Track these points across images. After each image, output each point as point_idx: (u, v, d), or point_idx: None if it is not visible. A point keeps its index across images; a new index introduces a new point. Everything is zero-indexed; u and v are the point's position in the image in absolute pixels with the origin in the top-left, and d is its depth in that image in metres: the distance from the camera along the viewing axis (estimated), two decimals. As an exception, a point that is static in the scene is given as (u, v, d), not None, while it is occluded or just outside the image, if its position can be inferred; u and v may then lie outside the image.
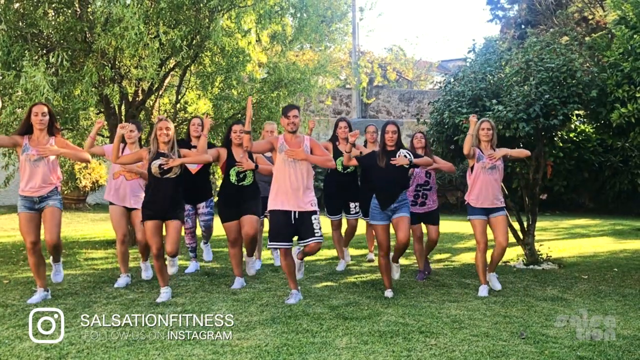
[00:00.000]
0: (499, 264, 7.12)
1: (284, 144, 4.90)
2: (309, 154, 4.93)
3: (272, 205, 4.90)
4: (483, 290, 5.45)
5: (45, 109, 4.97)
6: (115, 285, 5.55)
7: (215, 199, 6.19)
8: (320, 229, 4.90)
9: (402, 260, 7.00)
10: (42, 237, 4.98)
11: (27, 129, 4.97)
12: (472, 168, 5.62)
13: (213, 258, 6.76)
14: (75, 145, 4.99)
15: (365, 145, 6.65)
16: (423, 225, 6.21)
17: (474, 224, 5.60)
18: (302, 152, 4.83)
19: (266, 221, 5.50)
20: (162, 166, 4.90)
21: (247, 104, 5.00)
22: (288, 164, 4.86)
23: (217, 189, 6.03)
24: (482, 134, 5.54)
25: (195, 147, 5.74)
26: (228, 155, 5.56)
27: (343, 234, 6.81)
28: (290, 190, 4.83)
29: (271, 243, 4.94)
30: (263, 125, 6.37)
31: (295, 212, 4.84)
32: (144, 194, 5.32)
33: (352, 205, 6.55)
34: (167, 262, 5.39)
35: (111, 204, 5.69)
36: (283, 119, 4.98)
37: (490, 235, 5.59)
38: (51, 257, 5.27)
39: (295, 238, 5.02)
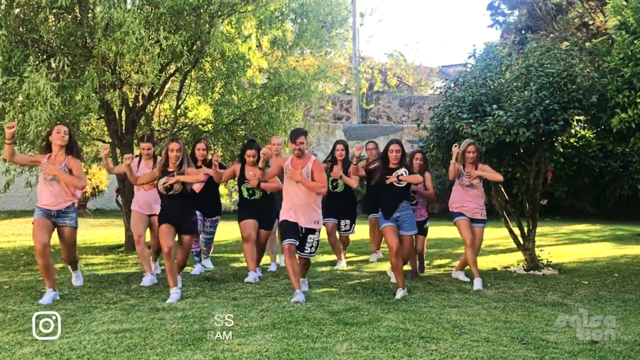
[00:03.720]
0: (499, 269, 7.17)
1: (289, 165, 5.31)
2: (309, 176, 5.25)
3: (282, 217, 5.36)
4: (477, 283, 5.89)
5: (67, 129, 5.25)
6: (141, 284, 5.82)
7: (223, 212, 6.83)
8: (311, 247, 5.36)
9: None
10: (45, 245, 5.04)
11: (47, 147, 5.24)
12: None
13: (214, 263, 7.06)
14: (80, 172, 5.18)
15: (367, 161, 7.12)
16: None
17: (458, 224, 6.14)
18: (298, 175, 5.20)
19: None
20: (164, 184, 5.25)
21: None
22: (292, 183, 5.27)
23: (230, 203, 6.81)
24: (468, 156, 6.05)
25: (200, 167, 6.18)
26: (241, 172, 6.21)
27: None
28: (297, 206, 5.26)
29: (283, 241, 5.36)
30: (270, 140, 6.89)
31: (302, 227, 5.28)
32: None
33: (342, 223, 7.13)
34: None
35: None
36: (291, 144, 5.31)
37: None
38: (69, 266, 5.73)
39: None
